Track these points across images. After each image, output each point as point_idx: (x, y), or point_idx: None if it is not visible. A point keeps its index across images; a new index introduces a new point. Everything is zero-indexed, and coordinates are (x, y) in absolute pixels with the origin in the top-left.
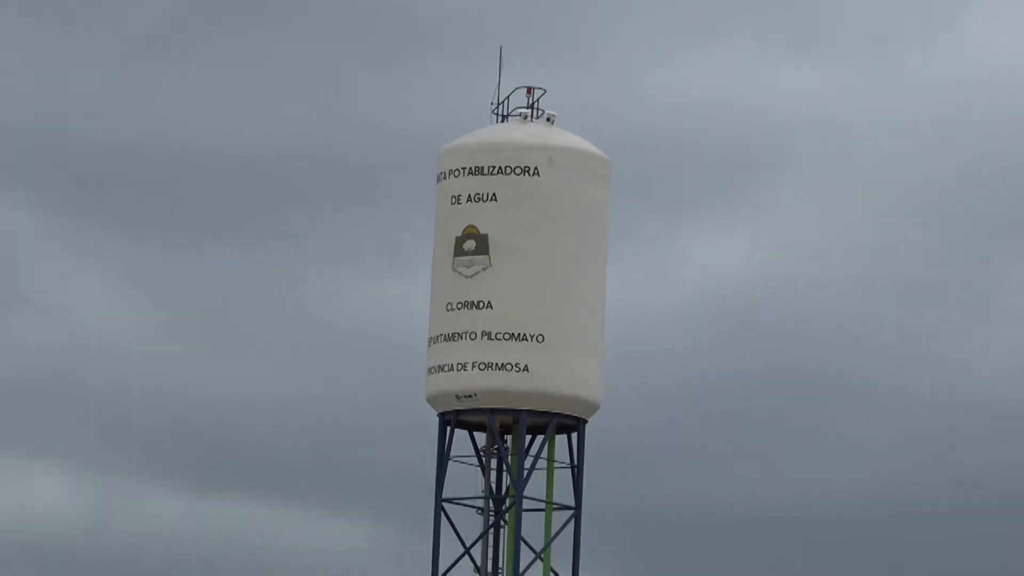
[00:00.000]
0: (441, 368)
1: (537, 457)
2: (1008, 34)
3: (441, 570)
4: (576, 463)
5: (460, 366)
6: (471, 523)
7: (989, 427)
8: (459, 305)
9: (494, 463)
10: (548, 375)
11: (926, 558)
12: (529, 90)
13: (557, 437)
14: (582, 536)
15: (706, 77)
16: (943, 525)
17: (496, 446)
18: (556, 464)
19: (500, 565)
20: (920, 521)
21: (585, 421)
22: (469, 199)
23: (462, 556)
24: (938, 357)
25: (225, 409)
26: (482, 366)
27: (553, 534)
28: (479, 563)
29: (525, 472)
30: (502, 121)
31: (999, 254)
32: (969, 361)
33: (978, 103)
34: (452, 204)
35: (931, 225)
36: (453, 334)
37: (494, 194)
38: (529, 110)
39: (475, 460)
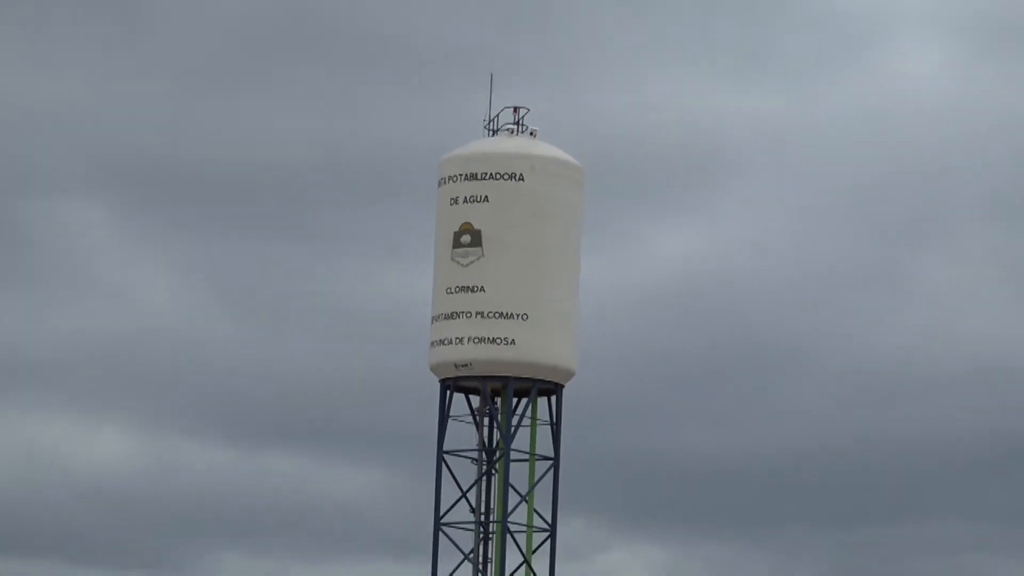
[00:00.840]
0: (442, 342)
1: (522, 416)
2: (916, 64)
3: (442, 511)
4: (555, 421)
5: (458, 340)
6: (467, 472)
7: (896, 391)
8: (457, 289)
9: (486, 421)
10: (531, 347)
11: (847, 498)
12: (515, 109)
13: (539, 399)
14: (560, 483)
15: (665, 98)
16: (860, 474)
17: (488, 407)
18: (538, 422)
19: (492, 507)
20: (842, 469)
21: (562, 386)
22: (465, 200)
23: (459, 499)
24: (854, 331)
25: (261, 376)
26: (476, 340)
27: (536, 480)
28: (474, 505)
29: (512, 429)
30: (493, 135)
31: (904, 248)
32: (879, 335)
33: (890, 123)
34: (451, 204)
35: (849, 223)
36: (452, 313)
37: (486, 196)
38: (515, 126)
39: (471, 419)
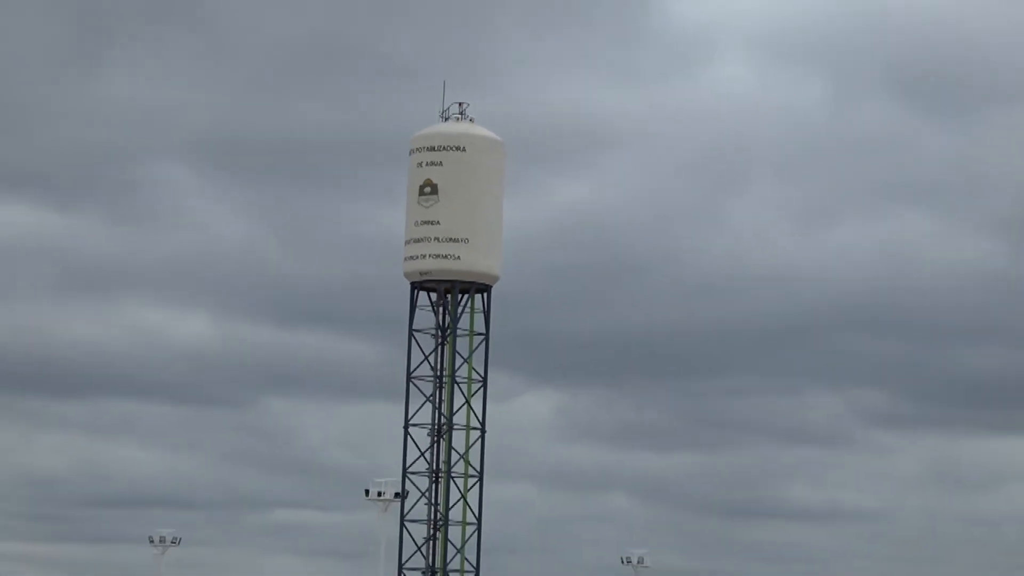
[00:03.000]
0: (412, 257)
1: (464, 306)
2: (732, 71)
3: (412, 368)
4: (486, 310)
5: (422, 256)
6: (428, 343)
7: (714, 289)
8: (421, 222)
9: (440, 310)
10: (471, 261)
11: (682, 360)
12: (460, 104)
13: (476, 295)
14: (490, 350)
15: (563, 94)
16: (690, 343)
17: (442, 301)
18: (476, 311)
19: (444, 366)
20: (678, 340)
21: (491, 286)
22: (427, 164)
23: (422, 361)
24: (686, 250)
25: (294, 280)
26: (434, 256)
27: (473, 348)
28: (433, 364)
29: (458, 314)
30: (445, 121)
31: (719, 196)
32: (702, 252)
33: (712, 114)
34: (417, 167)
35: (685, 180)
36: (419, 239)
37: (441, 161)
38: (460, 115)
39: (430, 308)
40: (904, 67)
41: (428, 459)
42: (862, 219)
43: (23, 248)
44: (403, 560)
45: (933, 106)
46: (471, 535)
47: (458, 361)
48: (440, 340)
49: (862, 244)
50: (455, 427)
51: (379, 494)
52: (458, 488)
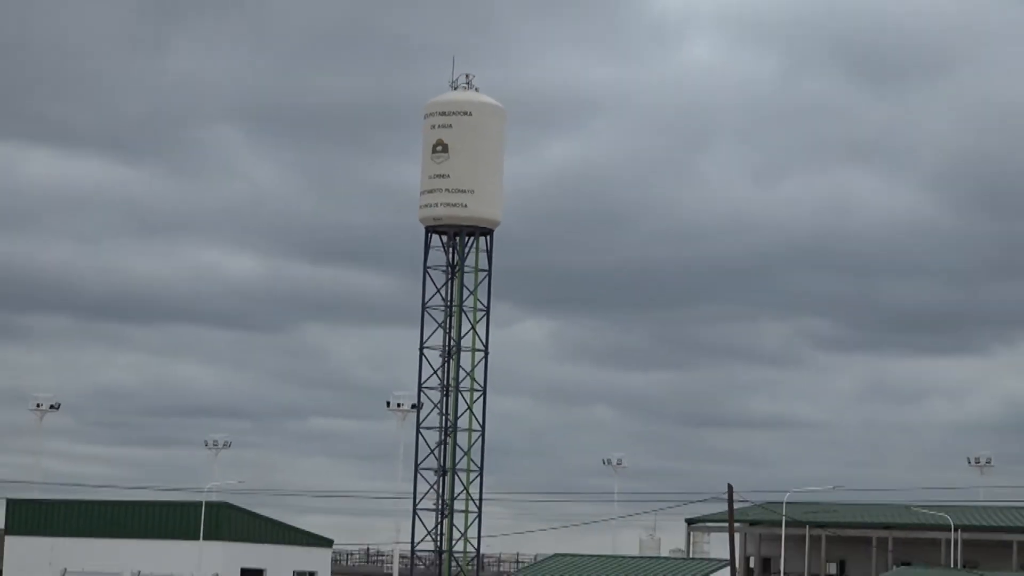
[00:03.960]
0: (426, 206)
1: (470, 247)
2: (709, 49)
3: (426, 298)
4: (489, 249)
5: (435, 205)
6: (439, 278)
7: (684, 234)
8: (434, 176)
9: (450, 250)
10: (476, 209)
11: (660, 293)
12: (467, 75)
13: (481, 237)
14: (492, 283)
15: (551, 68)
16: (664, 279)
17: (451, 242)
18: (480, 251)
19: (453, 298)
20: (656, 275)
21: (492, 230)
22: (439, 126)
23: (434, 294)
24: (658, 199)
25: (327, 222)
26: (444, 205)
27: (479, 282)
28: (443, 295)
29: (465, 253)
30: (454, 90)
31: (685, 154)
32: (675, 200)
33: (679, 87)
34: (431, 128)
35: (651, 138)
36: (432, 190)
37: (450, 124)
38: (467, 85)
39: (442, 249)
40: (847, 45)
41: (440, 376)
42: (809, 174)
43: (101, 197)
44: (419, 461)
45: (872, 78)
46: (476, 440)
47: (465, 293)
48: (450, 275)
49: (809, 195)
50: (463, 349)
51: (398, 405)
52: (465, 400)
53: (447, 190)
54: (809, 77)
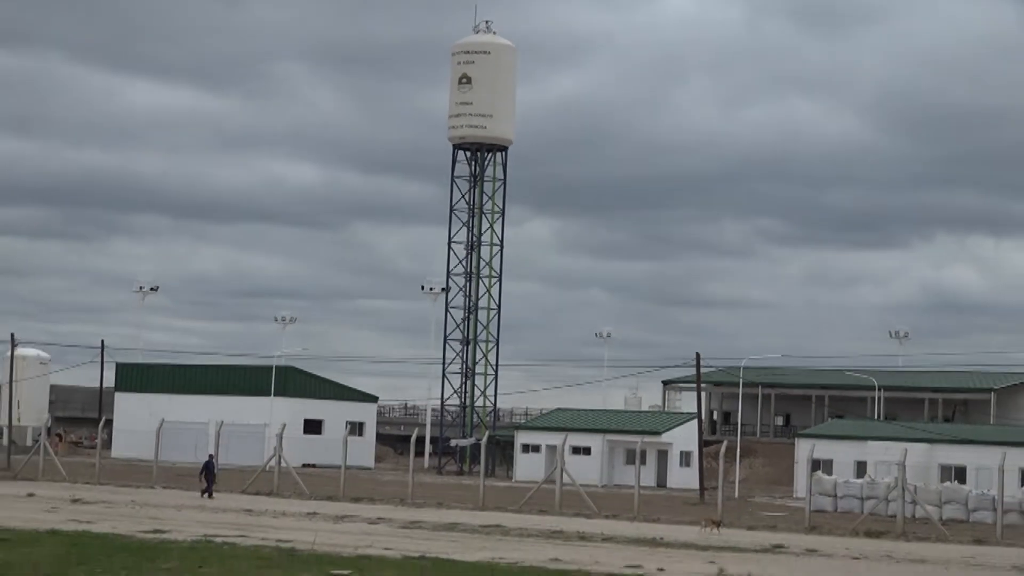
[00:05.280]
0: (453, 127)
1: (490, 160)
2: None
3: (453, 202)
4: (504, 164)
5: (460, 126)
6: (464, 185)
7: (663, 151)
8: (460, 103)
9: (473, 163)
10: (494, 130)
11: (648, 197)
12: (486, 22)
13: (497, 153)
14: (507, 190)
15: (559, 15)
16: (650, 185)
17: (474, 157)
18: (497, 164)
19: (475, 201)
20: (641, 183)
21: (507, 147)
22: (464, 63)
23: (460, 199)
24: (639, 124)
25: (372, 142)
26: (468, 126)
27: (495, 189)
28: (467, 201)
29: (484, 166)
30: (476, 33)
31: (671, 85)
32: (652, 128)
33: (666, 30)
34: (457, 64)
35: (647, 73)
36: (458, 114)
37: (473, 60)
38: (486, 29)
39: (466, 162)
40: None
41: (464, 265)
42: (766, 103)
43: (190, 119)
44: (447, 333)
45: (819, 24)
46: (493, 317)
47: (484, 199)
48: (472, 183)
49: (766, 120)
50: (483, 243)
51: (430, 289)
52: (484, 285)
53: (470, 114)
54: (767, 23)
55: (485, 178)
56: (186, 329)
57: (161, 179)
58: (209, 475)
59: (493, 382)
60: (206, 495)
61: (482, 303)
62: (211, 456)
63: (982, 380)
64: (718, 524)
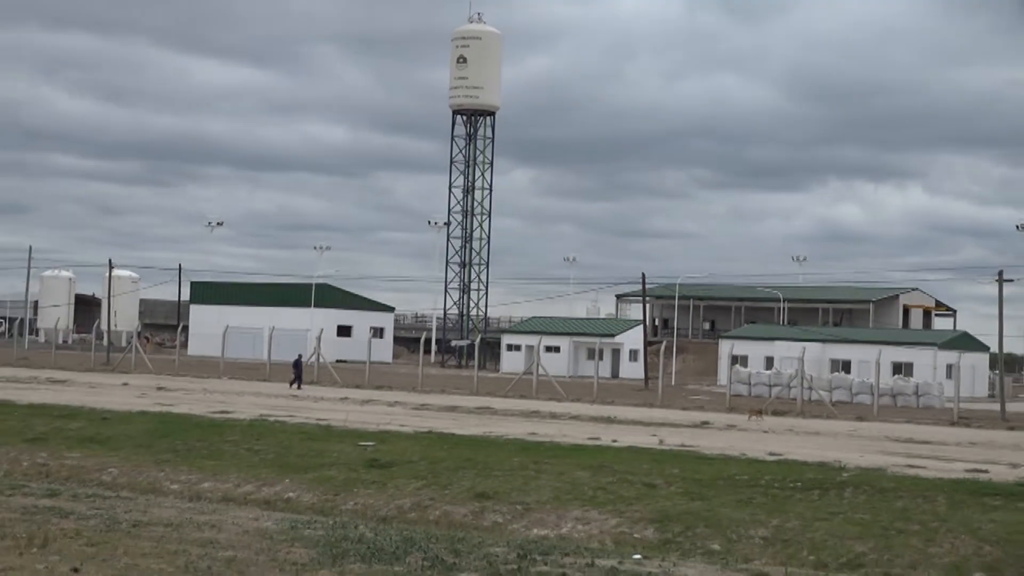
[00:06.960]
0: (452, 97)
1: (481, 123)
2: None
3: (453, 155)
4: (493, 125)
5: (458, 96)
6: (462, 142)
7: (645, 119)
8: (458, 78)
9: (468, 125)
10: (485, 99)
11: (624, 163)
12: (479, 13)
13: (488, 117)
14: (495, 147)
15: (536, 7)
16: (624, 147)
17: (469, 120)
18: (487, 125)
19: (470, 155)
20: (619, 145)
21: (495, 112)
22: (461, 46)
23: (458, 153)
24: (612, 89)
25: (389, 110)
26: (464, 96)
27: (486, 145)
28: (465, 154)
29: (477, 127)
30: (471, 23)
31: (626, 61)
32: (619, 91)
33: (622, 18)
34: (456, 47)
35: (606, 52)
36: (456, 87)
37: (468, 44)
38: (478, 19)
39: (463, 124)
40: None
41: (462, 205)
42: (700, 78)
43: (246, 90)
44: (448, 258)
45: (743, 13)
46: (484, 245)
47: (477, 153)
48: (468, 141)
49: (700, 91)
50: (476, 187)
51: (435, 223)
52: (477, 220)
53: (466, 87)
54: (701, 13)
55: (478, 137)
56: (246, 255)
57: (224, 138)
58: (298, 370)
59: (484, 296)
60: (295, 386)
61: (476, 235)
62: (299, 356)
63: (863, 294)
64: (760, 413)
